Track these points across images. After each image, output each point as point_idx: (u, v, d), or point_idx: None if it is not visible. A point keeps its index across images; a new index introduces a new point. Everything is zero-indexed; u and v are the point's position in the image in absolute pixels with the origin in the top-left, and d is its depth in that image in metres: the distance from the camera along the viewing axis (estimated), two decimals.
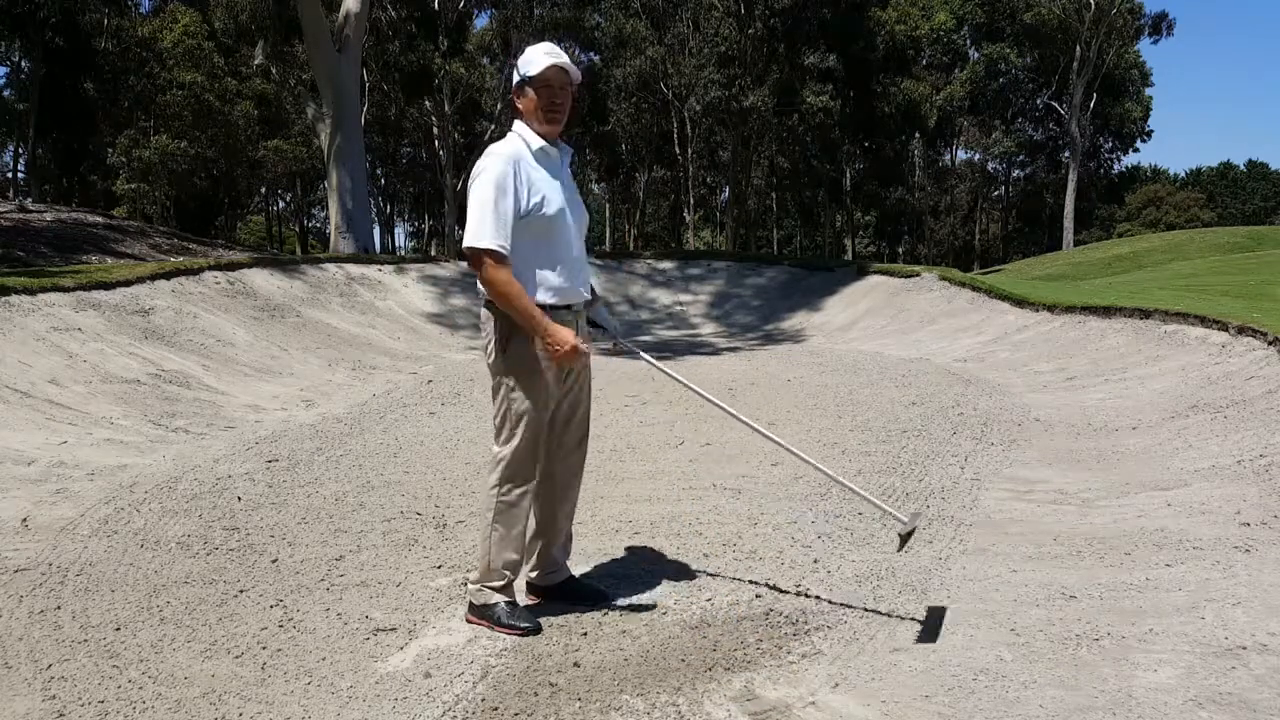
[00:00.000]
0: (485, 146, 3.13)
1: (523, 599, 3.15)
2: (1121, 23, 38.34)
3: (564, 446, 3.14)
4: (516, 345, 2.93)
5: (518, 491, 2.99)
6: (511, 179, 2.87)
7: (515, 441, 2.96)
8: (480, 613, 3.04)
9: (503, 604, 3.02)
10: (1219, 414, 5.30)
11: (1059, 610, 2.99)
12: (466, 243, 2.86)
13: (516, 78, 3.02)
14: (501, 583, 3.03)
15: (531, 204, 2.91)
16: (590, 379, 3.20)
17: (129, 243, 17.74)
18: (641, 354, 3.25)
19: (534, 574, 3.23)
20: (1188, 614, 2.88)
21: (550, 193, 2.95)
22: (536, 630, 2.98)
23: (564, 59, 2.97)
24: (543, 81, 2.95)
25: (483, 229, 2.83)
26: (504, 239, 2.84)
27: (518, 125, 3.03)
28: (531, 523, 3.12)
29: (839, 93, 32.61)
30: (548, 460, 3.09)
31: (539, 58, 2.95)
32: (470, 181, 2.97)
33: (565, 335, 2.86)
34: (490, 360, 3.00)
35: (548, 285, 2.95)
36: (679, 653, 2.81)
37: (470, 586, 3.10)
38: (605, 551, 3.74)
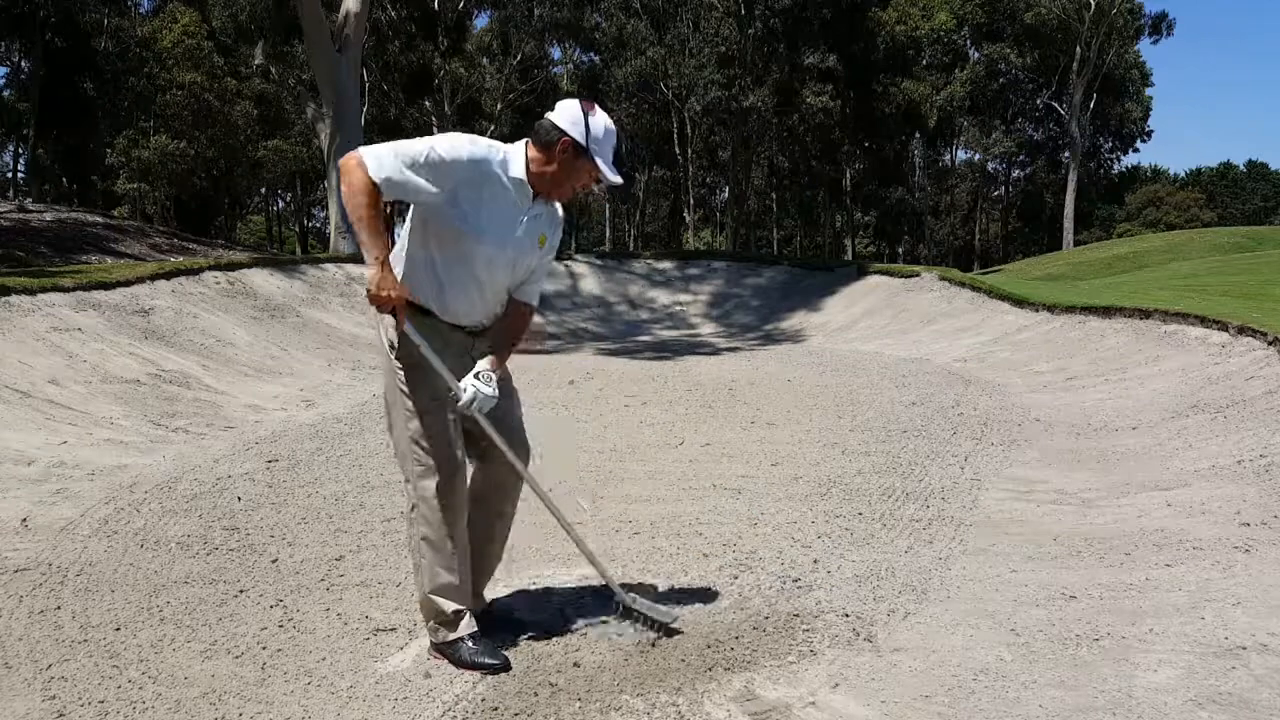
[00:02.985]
0: None
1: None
2: (1121, 23, 38.33)
3: (491, 458, 2.82)
4: (406, 339, 2.61)
5: (440, 500, 2.67)
6: (457, 175, 2.56)
7: (428, 442, 2.65)
8: (441, 650, 2.77)
9: (464, 642, 2.73)
10: (1219, 414, 5.30)
11: (1059, 610, 2.99)
12: (354, 152, 2.54)
13: (578, 133, 2.63)
14: (449, 616, 2.73)
15: (452, 212, 2.57)
16: (510, 377, 2.87)
17: (129, 243, 17.74)
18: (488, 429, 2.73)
19: None
20: (1188, 614, 2.88)
21: (483, 217, 2.61)
22: (505, 667, 2.70)
23: (621, 182, 2.76)
24: (590, 177, 2.69)
25: (382, 159, 2.51)
26: (394, 183, 2.51)
27: (519, 149, 2.70)
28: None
29: (839, 93, 32.64)
30: (471, 483, 2.79)
31: (612, 170, 2.67)
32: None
33: (373, 276, 2.51)
34: (384, 349, 2.71)
35: (426, 295, 2.65)
36: (679, 653, 2.80)
37: (426, 625, 2.82)
38: (605, 551, 3.74)
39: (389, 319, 2.63)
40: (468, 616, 2.76)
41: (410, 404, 2.69)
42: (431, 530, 2.70)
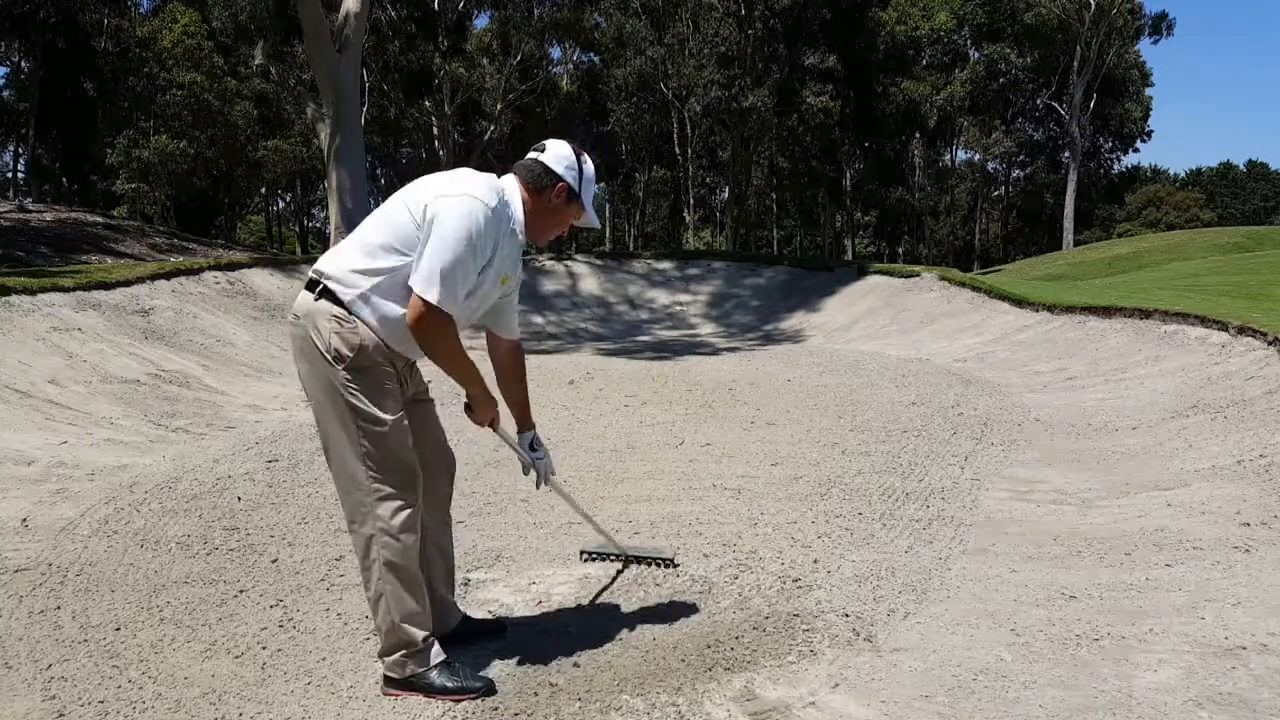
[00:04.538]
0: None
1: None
2: (1121, 23, 38.33)
3: (430, 466, 2.70)
4: (365, 346, 2.47)
5: (404, 518, 2.51)
6: (490, 246, 2.49)
7: (382, 465, 2.49)
8: (404, 685, 2.55)
9: (431, 670, 2.55)
10: (1219, 414, 5.30)
11: (1059, 610, 2.99)
12: (420, 288, 2.39)
13: (573, 179, 2.62)
14: (420, 645, 2.55)
15: (484, 275, 2.52)
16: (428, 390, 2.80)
17: (128, 243, 17.75)
18: (574, 504, 3.14)
19: None
20: (1188, 614, 2.88)
21: (500, 265, 2.57)
22: (490, 690, 2.57)
23: (597, 226, 2.83)
24: (574, 219, 2.69)
25: (442, 286, 2.39)
26: (455, 304, 2.44)
27: (514, 190, 2.61)
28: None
29: (839, 93, 32.58)
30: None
31: (593, 215, 2.71)
32: (446, 205, 2.44)
33: (486, 402, 2.67)
34: (324, 361, 2.47)
35: (390, 327, 2.49)
36: (679, 653, 2.80)
37: (384, 660, 2.58)
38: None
39: (323, 318, 2.47)
40: (436, 644, 2.60)
41: (363, 420, 2.47)
42: (397, 555, 2.50)
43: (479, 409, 2.68)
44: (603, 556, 3.58)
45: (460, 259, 2.41)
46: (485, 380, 2.68)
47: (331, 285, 2.49)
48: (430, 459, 2.69)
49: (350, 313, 2.47)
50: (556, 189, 2.61)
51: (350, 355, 2.46)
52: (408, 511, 2.52)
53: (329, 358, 2.47)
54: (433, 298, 2.39)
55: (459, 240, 2.40)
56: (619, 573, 3.49)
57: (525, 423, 2.88)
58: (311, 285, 2.54)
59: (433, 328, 2.42)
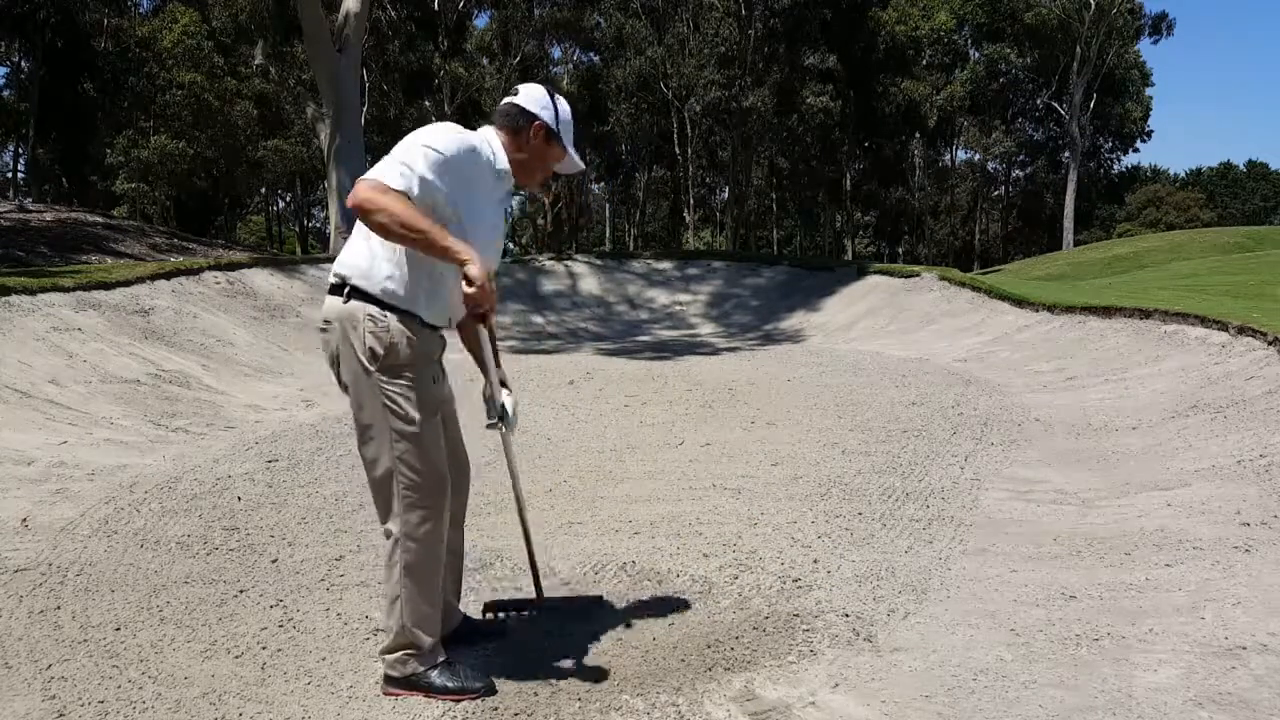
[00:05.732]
0: None
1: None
2: (1121, 23, 38.36)
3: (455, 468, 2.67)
4: (400, 342, 2.44)
5: (430, 526, 2.51)
6: (460, 169, 2.43)
7: (416, 469, 2.47)
8: (404, 684, 2.56)
9: (432, 670, 2.55)
10: (1219, 414, 5.30)
11: (1059, 610, 2.99)
12: (365, 181, 2.34)
13: (549, 117, 2.59)
14: (425, 648, 2.56)
15: (460, 212, 2.44)
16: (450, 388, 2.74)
17: (128, 243, 17.75)
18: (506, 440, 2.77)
19: None
20: (1188, 614, 2.88)
21: (484, 215, 2.53)
22: (490, 690, 2.56)
23: (583, 169, 2.72)
24: (560, 166, 2.67)
25: (399, 171, 2.34)
26: (427, 184, 2.36)
27: (492, 137, 2.60)
28: None
29: (839, 93, 32.61)
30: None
31: (576, 158, 2.66)
32: (419, 130, 2.46)
33: (481, 268, 2.36)
34: (359, 363, 2.46)
35: (434, 303, 2.50)
36: (679, 653, 2.80)
37: (386, 658, 2.58)
38: (604, 551, 3.74)
39: (363, 323, 2.44)
40: (438, 643, 2.61)
41: (397, 420, 2.46)
42: (419, 561, 2.50)
43: (482, 288, 2.37)
44: (513, 606, 3.11)
45: (414, 154, 2.37)
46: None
47: (357, 283, 2.46)
48: (450, 465, 2.66)
49: (383, 306, 2.44)
50: (533, 128, 2.59)
51: (384, 354, 2.44)
52: (434, 519, 2.52)
53: (364, 358, 2.45)
54: (372, 174, 2.35)
55: (418, 141, 2.39)
56: (618, 569, 3.49)
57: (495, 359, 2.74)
58: (337, 289, 2.50)
59: (372, 198, 2.31)
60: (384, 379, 2.46)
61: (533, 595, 3.08)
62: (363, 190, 2.34)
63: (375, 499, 2.57)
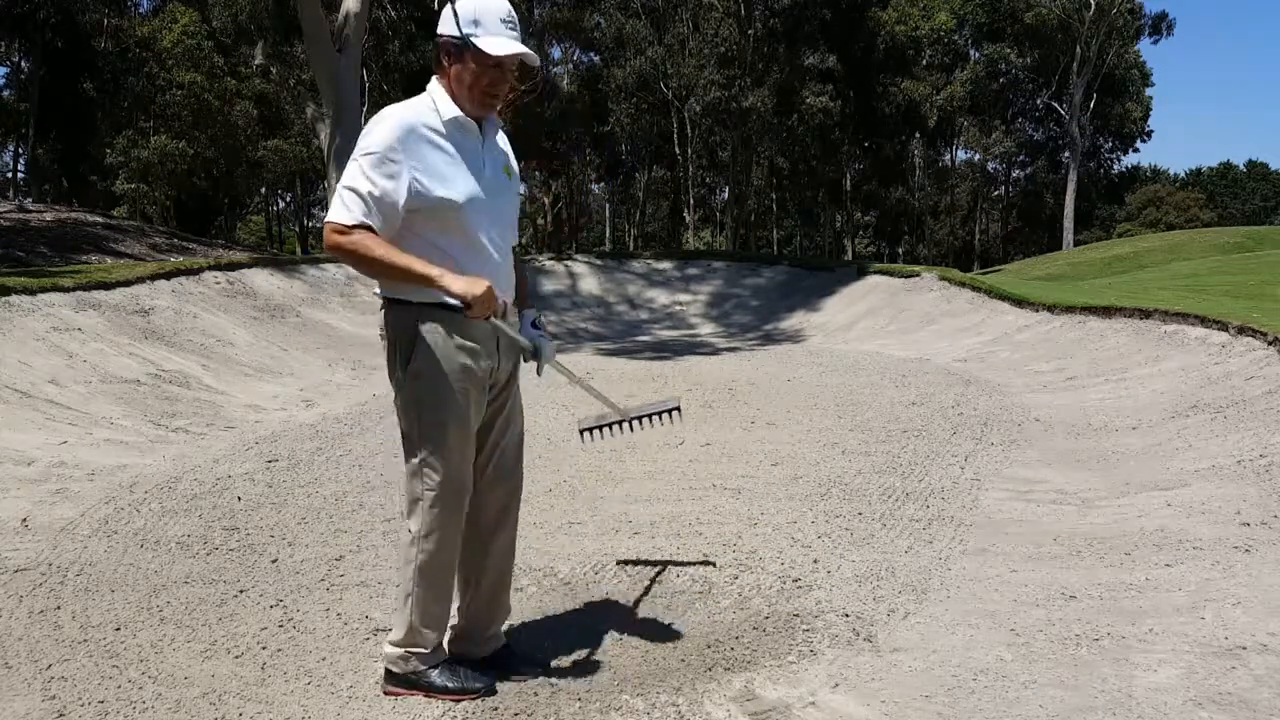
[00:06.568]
0: None
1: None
2: (1121, 23, 38.35)
3: (490, 476, 2.63)
4: (424, 346, 2.42)
5: (442, 532, 2.50)
6: (399, 153, 2.34)
7: (436, 472, 2.47)
8: (404, 681, 2.56)
9: (433, 669, 2.56)
10: (1219, 414, 5.30)
11: (1059, 610, 2.99)
12: (327, 218, 2.35)
13: (452, 29, 2.40)
14: (429, 648, 2.56)
15: (424, 188, 2.36)
16: (519, 394, 2.72)
17: (128, 243, 17.74)
18: (575, 377, 2.79)
19: (449, 642, 2.69)
20: (1188, 614, 2.88)
21: (454, 174, 2.40)
22: (490, 690, 2.56)
23: (527, 50, 2.41)
24: (494, 62, 2.39)
25: (344, 208, 2.32)
26: (371, 218, 2.31)
27: (434, 87, 2.47)
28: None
29: (839, 93, 32.58)
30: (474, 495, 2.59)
31: (501, 40, 2.38)
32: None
33: (465, 283, 2.31)
34: (391, 365, 2.49)
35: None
36: (679, 653, 2.80)
37: (388, 651, 2.58)
38: (605, 551, 3.75)
39: (391, 326, 2.47)
40: (442, 644, 2.62)
41: (427, 425, 2.46)
42: (431, 563, 2.50)
43: (474, 304, 2.33)
44: (600, 428, 3.12)
45: (353, 172, 2.34)
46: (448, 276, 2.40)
47: (386, 293, 2.47)
48: (494, 475, 2.64)
49: (413, 303, 2.42)
50: (442, 48, 2.45)
51: (416, 361, 2.43)
52: (448, 527, 2.50)
53: (399, 363, 2.47)
54: (329, 216, 2.35)
55: (356, 153, 2.36)
56: (618, 569, 3.50)
57: (523, 300, 2.72)
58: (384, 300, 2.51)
59: (339, 243, 2.32)
60: (417, 383, 2.45)
61: (615, 415, 3.09)
62: (328, 238, 2.35)
63: (403, 495, 2.59)
